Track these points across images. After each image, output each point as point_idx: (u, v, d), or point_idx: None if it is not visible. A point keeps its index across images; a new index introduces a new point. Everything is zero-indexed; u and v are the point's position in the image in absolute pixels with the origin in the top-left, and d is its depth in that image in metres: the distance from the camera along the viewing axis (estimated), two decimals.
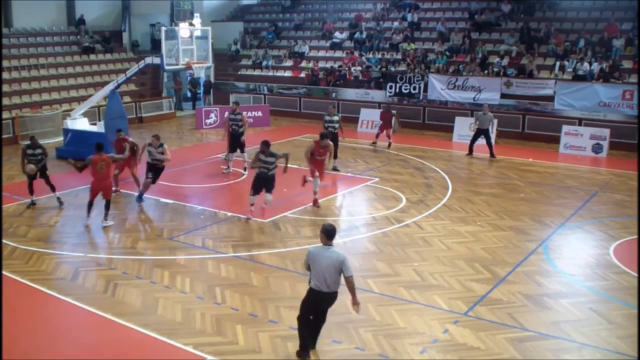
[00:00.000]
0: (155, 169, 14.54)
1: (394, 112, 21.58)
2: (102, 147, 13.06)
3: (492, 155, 19.62)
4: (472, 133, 20.34)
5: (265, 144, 12.94)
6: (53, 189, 14.54)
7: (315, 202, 14.27)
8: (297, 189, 14.70)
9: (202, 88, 30.89)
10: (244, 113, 17.92)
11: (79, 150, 18.95)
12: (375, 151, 20.76)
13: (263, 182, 13.13)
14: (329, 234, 7.56)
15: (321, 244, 7.63)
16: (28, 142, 14.50)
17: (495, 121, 20.73)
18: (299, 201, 14.52)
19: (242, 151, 17.16)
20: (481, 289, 9.95)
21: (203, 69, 19.49)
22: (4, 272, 9.87)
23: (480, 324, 8.82)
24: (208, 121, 25.24)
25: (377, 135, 21.59)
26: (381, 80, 26.29)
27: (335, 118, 17.49)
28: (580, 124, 21.24)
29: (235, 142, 17.02)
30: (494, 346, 8.20)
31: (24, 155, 14.18)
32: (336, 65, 28.05)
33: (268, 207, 13.41)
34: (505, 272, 10.63)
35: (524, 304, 9.45)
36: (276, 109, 27.06)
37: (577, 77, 22.75)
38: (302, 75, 28.74)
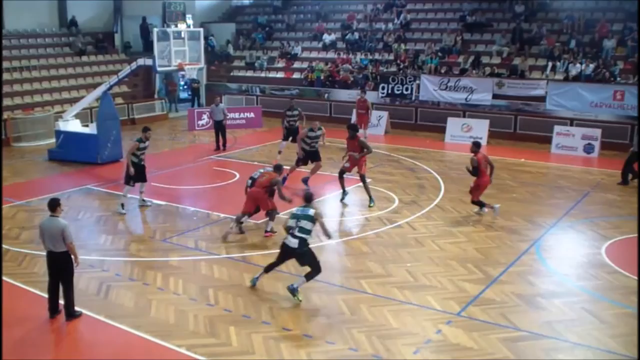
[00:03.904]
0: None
1: None
2: None
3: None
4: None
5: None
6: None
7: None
8: (292, 189, 14.69)
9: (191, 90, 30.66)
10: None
11: (71, 152, 19.00)
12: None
13: None
14: None
15: None
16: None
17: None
18: (292, 203, 14.47)
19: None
20: (474, 289, 9.98)
21: (195, 70, 19.44)
22: None
23: (473, 324, 8.84)
24: (200, 122, 25.19)
25: None
26: (366, 81, 26.33)
27: (319, 132, 15.74)
28: (571, 124, 21.30)
29: None
30: (487, 346, 8.23)
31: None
32: (332, 64, 28.06)
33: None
34: (497, 272, 10.66)
35: (516, 303, 9.48)
36: (268, 110, 27.03)
37: (568, 78, 22.86)
38: (301, 76, 28.55)
